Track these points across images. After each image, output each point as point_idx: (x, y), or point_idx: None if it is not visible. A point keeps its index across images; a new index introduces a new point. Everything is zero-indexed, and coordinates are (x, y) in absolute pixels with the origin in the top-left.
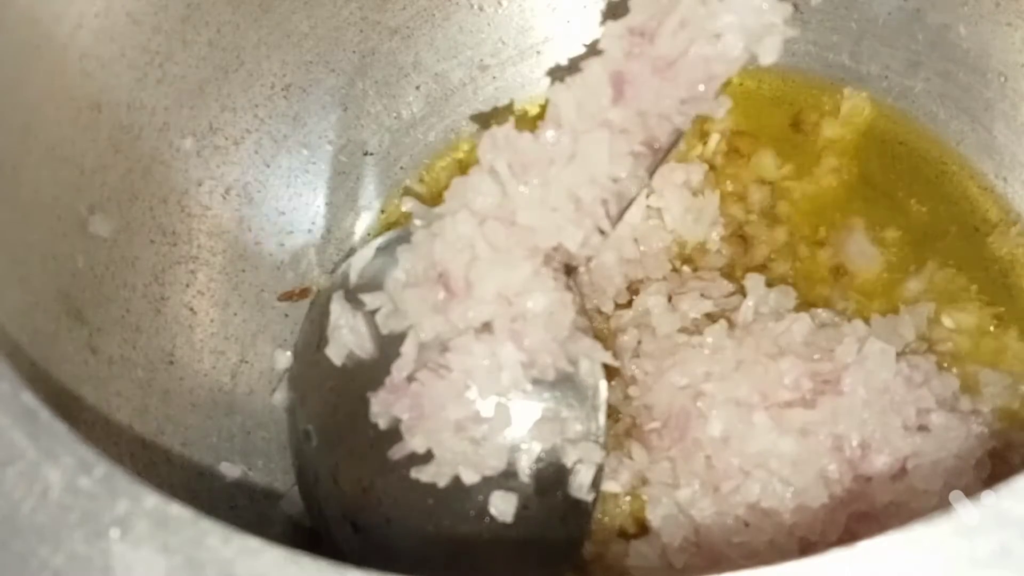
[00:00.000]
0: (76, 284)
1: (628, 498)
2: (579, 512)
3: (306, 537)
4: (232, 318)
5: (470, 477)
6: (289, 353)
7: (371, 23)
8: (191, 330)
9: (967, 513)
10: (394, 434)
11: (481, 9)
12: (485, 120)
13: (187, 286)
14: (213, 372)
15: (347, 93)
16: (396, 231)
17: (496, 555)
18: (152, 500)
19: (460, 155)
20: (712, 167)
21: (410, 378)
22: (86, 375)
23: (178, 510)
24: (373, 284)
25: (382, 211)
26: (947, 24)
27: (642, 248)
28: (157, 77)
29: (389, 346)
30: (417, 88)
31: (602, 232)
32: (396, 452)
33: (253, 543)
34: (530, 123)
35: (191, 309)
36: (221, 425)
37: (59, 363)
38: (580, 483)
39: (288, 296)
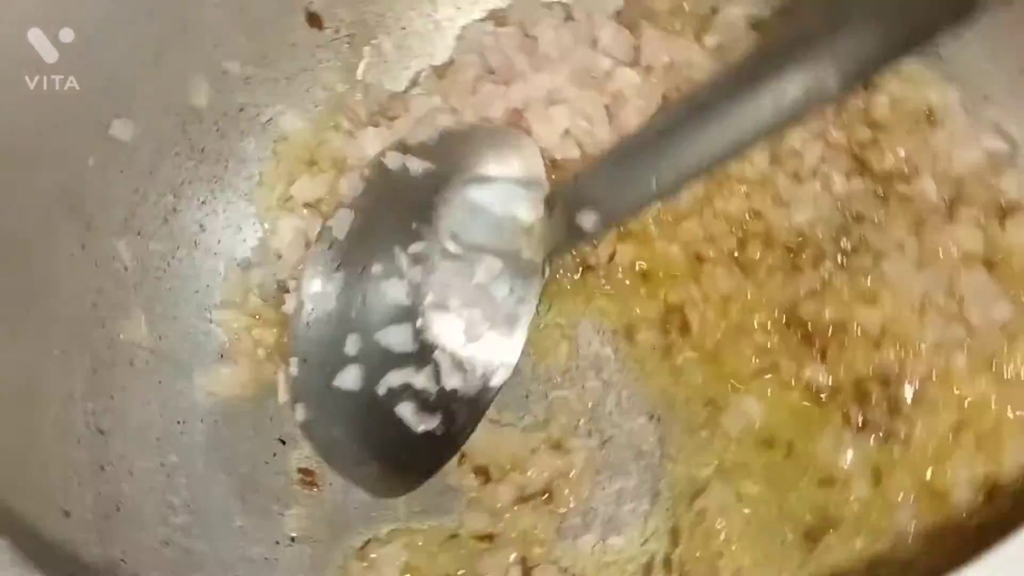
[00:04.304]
0: (80, 181)
1: None
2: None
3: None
4: (241, 243)
5: None
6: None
7: None
8: (195, 245)
9: None
10: None
11: None
12: None
13: (203, 203)
14: (207, 290)
15: None
16: None
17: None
18: None
19: None
20: None
21: None
22: (70, 268)
23: None
24: None
25: None
26: None
27: None
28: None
29: None
30: None
31: None
32: None
33: None
34: None
35: (201, 225)
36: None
37: (45, 255)
38: None
39: None
